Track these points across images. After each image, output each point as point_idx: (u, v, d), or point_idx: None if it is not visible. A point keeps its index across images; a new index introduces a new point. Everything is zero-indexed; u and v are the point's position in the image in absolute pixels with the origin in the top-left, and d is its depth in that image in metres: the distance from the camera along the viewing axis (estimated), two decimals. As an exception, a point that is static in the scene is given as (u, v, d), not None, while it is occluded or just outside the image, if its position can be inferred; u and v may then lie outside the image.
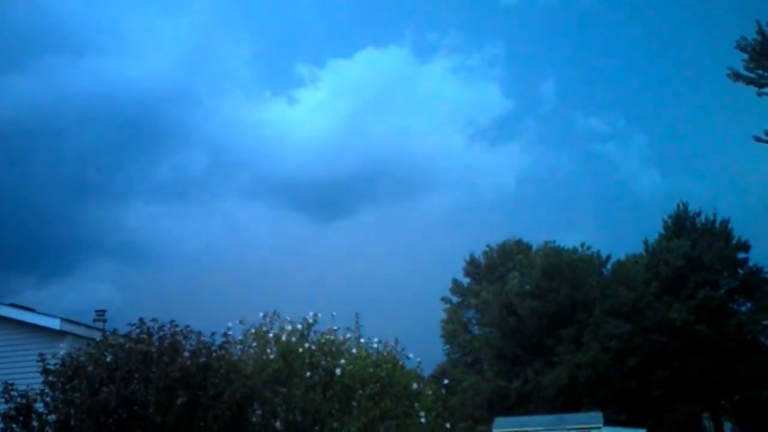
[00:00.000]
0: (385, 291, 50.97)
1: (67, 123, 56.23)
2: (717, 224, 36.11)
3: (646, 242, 37.83)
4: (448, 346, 45.40)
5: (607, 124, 70.88)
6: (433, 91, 69.24)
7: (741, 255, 35.77)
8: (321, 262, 59.97)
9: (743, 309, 35.90)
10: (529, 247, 44.29)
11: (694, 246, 34.67)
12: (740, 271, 35.76)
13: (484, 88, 68.87)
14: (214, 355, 11.32)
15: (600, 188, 65.29)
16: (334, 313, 13.55)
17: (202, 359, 11.01)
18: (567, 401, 32.75)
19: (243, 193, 67.67)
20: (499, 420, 28.46)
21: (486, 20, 72.91)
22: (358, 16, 75.17)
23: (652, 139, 67.08)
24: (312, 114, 68.24)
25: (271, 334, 12.90)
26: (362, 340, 13.32)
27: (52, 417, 10.47)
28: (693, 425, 34.13)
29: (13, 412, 10.45)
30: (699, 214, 36.73)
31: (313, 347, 12.67)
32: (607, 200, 62.97)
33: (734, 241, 35.75)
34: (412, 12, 74.95)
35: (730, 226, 35.95)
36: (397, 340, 13.60)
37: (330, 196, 63.70)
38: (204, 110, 66.18)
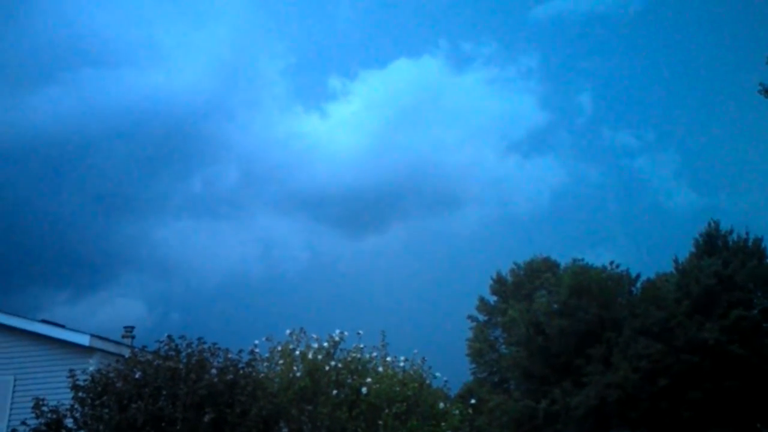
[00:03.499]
0: (413, 308, 50.79)
1: (99, 136, 57.01)
2: (750, 242, 35.46)
3: (676, 260, 37.27)
4: (474, 365, 45.02)
5: (638, 139, 70.02)
6: (467, 102, 68.76)
7: (775, 274, 35.03)
8: (350, 278, 59.90)
9: (778, 329, 35.09)
10: (557, 264, 43.87)
11: (726, 265, 34.05)
12: (774, 290, 35.01)
13: (519, 99, 68.22)
14: (241, 372, 11.35)
15: (632, 204, 64.44)
16: (360, 332, 13.54)
17: (230, 376, 11.04)
18: (596, 422, 32.19)
19: (274, 208, 67.88)
20: (526, 441, 28.07)
21: (521, 30, 72.41)
22: (391, 25, 74.91)
23: (685, 154, 66.18)
24: (344, 127, 68.24)
25: (297, 352, 12.92)
26: (389, 359, 13.27)
27: (82, 432, 10.56)
28: (727, 448, 33.32)
29: (43, 428, 10.57)
30: (731, 232, 36.11)
31: (340, 365, 12.66)
32: (639, 217, 62.20)
33: (768, 260, 35.07)
34: (446, 21, 74.52)
35: (763, 244, 35.29)
36: (423, 359, 13.54)
37: (361, 210, 63.49)
38: (237, 123, 66.63)
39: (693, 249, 36.59)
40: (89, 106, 56.03)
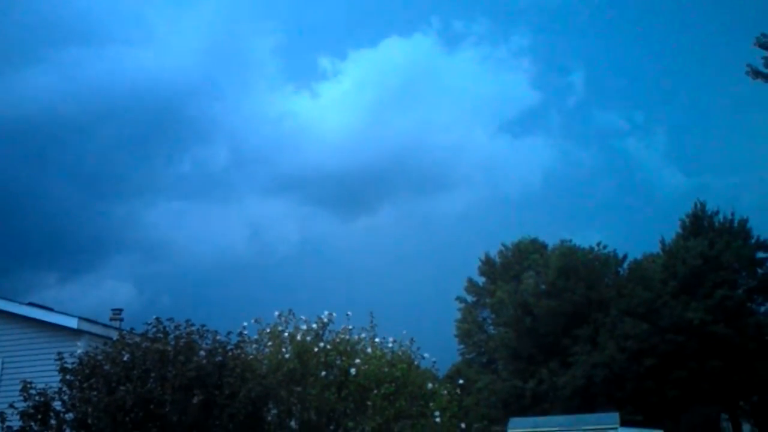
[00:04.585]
0: (402, 289, 50.93)
1: (87, 116, 56.43)
2: (735, 223, 35.78)
3: (663, 241, 37.56)
4: (462, 346, 45.28)
5: (627, 120, 70.21)
6: (459, 81, 68.23)
7: (760, 254, 35.41)
8: (339, 259, 59.94)
9: (762, 309, 35.55)
10: (544, 246, 44.03)
11: (712, 245, 34.35)
12: (759, 270, 35.39)
13: (511, 79, 67.84)
14: (230, 354, 11.36)
15: (621, 185, 64.69)
16: (349, 313, 13.58)
17: (218, 358, 11.05)
18: (583, 402, 32.54)
19: (264, 189, 67.65)
20: (514, 420, 28.34)
21: (513, 9, 71.83)
22: (383, 3, 74.14)
23: (673, 136, 66.46)
24: (334, 107, 67.77)
25: (286, 334, 12.94)
26: (377, 340, 13.33)
27: (70, 415, 10.55)
28: (711, 426, 33.82)
29: (31, 411, 10.55)
30: (717, 213, 36.43)
31: (328, 347, 12.70)
32: (627, 197, 62.47)
33: (753, 241, 35.38)
34: None
35: (748, 225, 35.62)
36: (412, 340, 13.61)
37: (351, 191, 63.45)
38: (226, 103, 66.01)
39: (679, 230, 36.88)
40: (77, 86, 55.36)
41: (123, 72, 56.31)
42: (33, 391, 10.63)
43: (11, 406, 10.67)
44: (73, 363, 10.90)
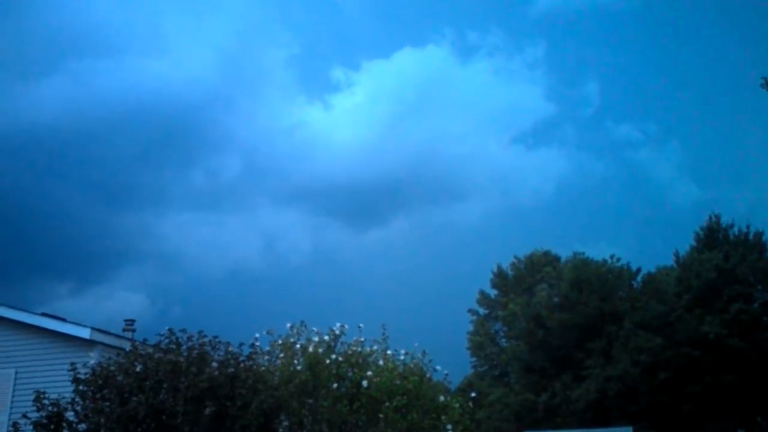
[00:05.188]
0: (414, 301, 50.74)
1: (101, 127, 56.46)
2: (750, 236, 35.45)
3: (677, 254, 37.28)
4: (474, 359, 45.09)
5: (641, 132, 69.82)
6: (472, 93, 68.02)
7: (776, 268, 35.04)
8: (352, 271, 59.80)
9: (778, 323, 35.11)
10: (557, 258, 43.85)
11: (727, 258, 34.05)
12: (775, 284, 35.01)
13: (524, 90, 67.59)
14: (242, 365, 11.37)
15: (634, 197, 64.23)
16: (361, 325, 13.55)
17: (230, 370, 11.06)
18: (596, 415, 32.25)
19: (277, 200, 67.53)
20: (526, 434, 28.15)
21: (527, 20, 71.68)
22: (397, 14, 73.84)
23: (687, 148, 65.95)
24: (347, 118, 67.73)
25: (298, 345, 12.92)
26: (389, 352, 13.28)
27: (83, 426, 10.59)
28: (727, 442, 33.39)
29: (44, 421, 10.60)
30: (732, 225, 36.11)
31: (340, 359, 12.66)
32: (640, 210, 61.96)
33: (768, 254, 35.05)
34: (452, 9, 73.38)
35: (764, 238, 35.27)
36: (424, 352, 13.55)
37: (364, 202, 63.14)
38: (239, 114, 66.09)
39: (694, 243, 36.60)
40: (91, 96, 55.65)
41: (137, 83, 56.60)
42: (46, 401, 10.69)
43: (24, 416, 10.73)
44: (85, 373, 10.94)
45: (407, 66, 64.05)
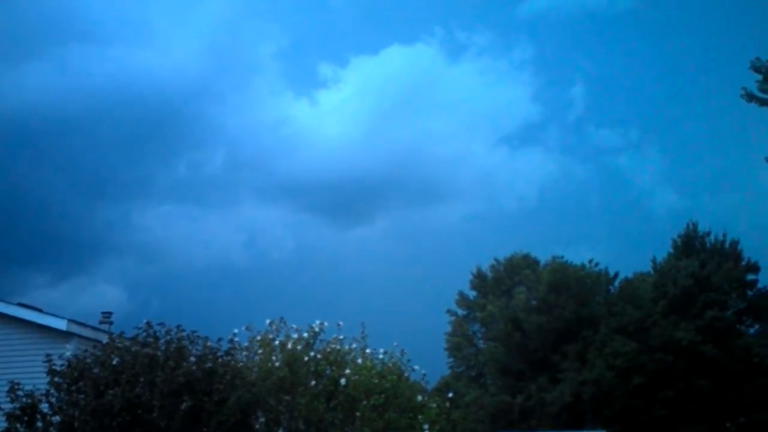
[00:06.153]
0: (394, 300, 50.75)
1: (83, 115, 55.50)
2: (726, 245, 35.93)
3: (654, 261, 37.68)
4: (452, 359, 45.24)
5: (622, 137, 70.32)
6: (459, 92, 67.84)
7: (750, 276, 35.54)
8: (333, 268, 59.64)
9: (751, 331, 35.62)
10: (536, 261, 44.12)
11: (703, 266, 34.48)
12: (749, 292, 35.51)
13: (511, 91, 67.63)
14: (220, 361, 11.32)
15: (615, 203, 64.70)
16: (341, 323, 13.58)
17: (208, 365, 11.02)
18: (570, 418, 32.51)
19: (260, 195, 67.07)
20: (501, 435, 28.31)
21: (515, 21, 71.65)
22: (386, 10, 73.32)
23: (668, 155, 66.58)
24: (333, 115, 67.28)
25: (276, 342, 12.92)
26: (368, 351, 13.33)
27: (57, 418, 10.50)
28: (697, 447, 33.80)
29: (18, 412, 10.49)
30: (708, 233, 36.57)
31: (319, 356, 12.69)
32: (620, 215, 62.43)
33: (744, 263, 35.55)
34: (442, 8, 73.06)
35: (739, 247, 35.78)
36: (403, 351, 13.62)
37: (347, 200, 62.82)
38: (225, 107, 65.36)
39: (671, 249, 37.01)
40: (73, 84, 54.74)
41: (122, 72, 55.72)
42: (20, 393, 10.58)
43: (-3, 406, 10.60)
44: (61, 365, 10.85)
45: (395, 63, 63.89)
